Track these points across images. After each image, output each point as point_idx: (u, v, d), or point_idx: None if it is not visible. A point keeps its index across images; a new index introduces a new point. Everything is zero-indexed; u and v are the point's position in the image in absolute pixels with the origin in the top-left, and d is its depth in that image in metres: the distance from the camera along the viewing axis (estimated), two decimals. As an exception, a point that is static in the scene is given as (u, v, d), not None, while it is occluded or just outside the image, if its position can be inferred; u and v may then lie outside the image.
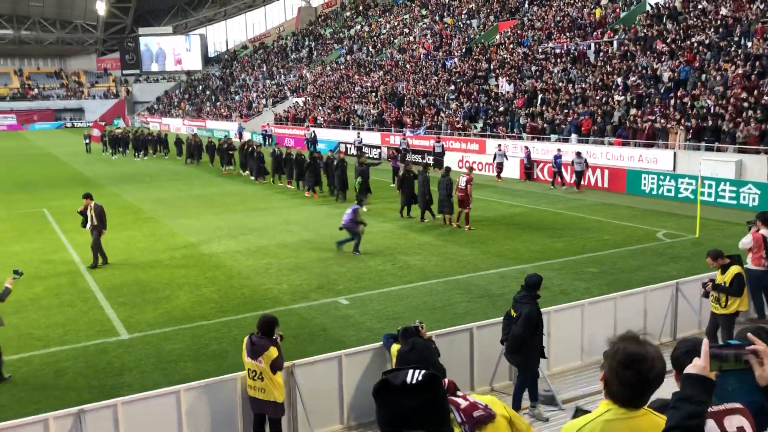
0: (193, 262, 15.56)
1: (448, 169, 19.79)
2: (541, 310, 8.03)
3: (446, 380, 2.47)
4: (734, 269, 9.00)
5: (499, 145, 29.02)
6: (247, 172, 30.85)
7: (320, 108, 51.06)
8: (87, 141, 46.50)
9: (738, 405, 2.60)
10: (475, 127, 34.49)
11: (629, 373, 2.52)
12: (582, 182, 24.77)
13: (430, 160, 31.29)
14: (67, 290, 13.54)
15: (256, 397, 7.09)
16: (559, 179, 25.59)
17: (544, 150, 28.66)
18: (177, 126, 68.19)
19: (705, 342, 2.36)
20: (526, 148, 28.54)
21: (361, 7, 72.69)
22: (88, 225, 15.13)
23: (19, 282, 10.85)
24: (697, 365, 2.28)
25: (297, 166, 26.27)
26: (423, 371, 2.18)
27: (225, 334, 10.87)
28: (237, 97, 71.27)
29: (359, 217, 16.07)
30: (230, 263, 15.33)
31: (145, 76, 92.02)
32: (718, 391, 2.40)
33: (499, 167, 28.30)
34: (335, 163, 23.91)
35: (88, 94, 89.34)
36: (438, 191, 18.91)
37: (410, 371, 2.19)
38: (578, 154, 24.62)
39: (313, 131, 42.83)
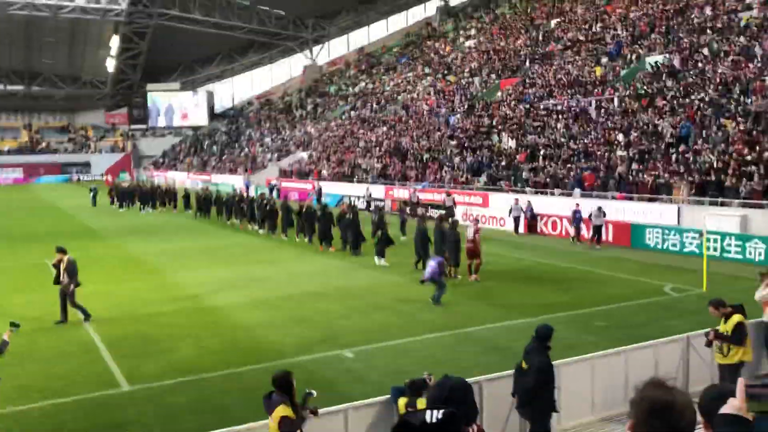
0: (197, 314, 15.43)
1: (456, 222, 19.79)
2: (552, 363, 7.90)
3: (475, 426, 2.35)
4: (736, 318, 8.94)
5: (516, 200, 28.83)
6: (256, 226, 30.58)
7: (325, 162, 51.55)
8: (93, 194, 46.68)
9: None
10: (479, 181, 34.69)
11: (657, 423, 2.34)
12: (599, 237, 24.20)
13: (441, 213, 31.10)
14: (68, 341, 13.39)
15: None
16: (578, 234, 25.12)
17: (547, 204, 28.78)
18: (182, 179, 68.68)
19: (741, 381, 2.28)
20: (529, 201, 28.67)
21: (365, 66, 74.24)
22: (61, 278, 14.65)
23: (21, 333, 10.74)
24: (734, 405, 2.19)
25: (308, 219, 26.00)
26: (442, 410, 2.11)
27: (228, 387, 10.68)
28: (242, 152, 72.08)
29: (444, 268, 16.43)
30: (234, 315, 15.19)
31: (152, 130, 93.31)
32: None
33: (515, 221, 28.22)
34: (347, 216, 23.83)
35: (95, 149, 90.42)
36: (446, 244, 18.86)
37: (428, 411, 2.13)
38: (599, 208, 24.19)
39: (320, 185, 43.08)
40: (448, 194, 32.31)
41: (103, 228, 33.23)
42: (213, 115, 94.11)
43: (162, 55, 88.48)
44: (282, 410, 6.26)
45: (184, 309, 15.90)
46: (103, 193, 48.16)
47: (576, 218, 25.05)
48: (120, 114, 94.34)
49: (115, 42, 77.12)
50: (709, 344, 9.18)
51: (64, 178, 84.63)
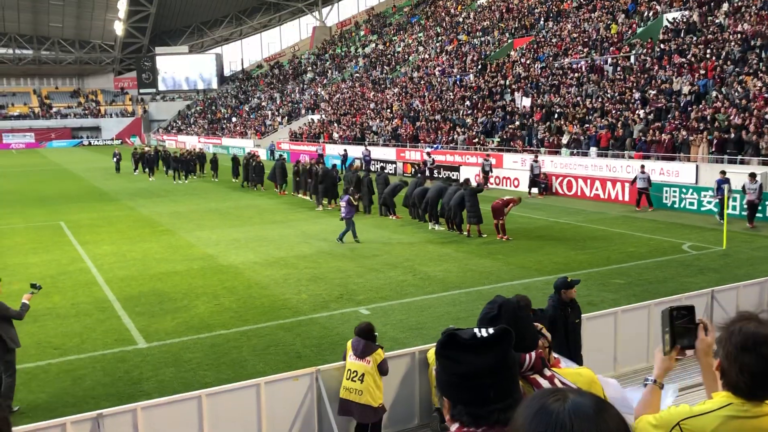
0: (211, 272, 15.38)
1: (468, 180, 19.67)
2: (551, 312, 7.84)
3: (532, 354, 2.14)
4: None
5: (642, 166, 23.34)
6: (307, 195, 27.65)
7: (335, 124, 51.12)
8: (116, 159, 43.39)
9: None
10: (492, 142, 34.28)
11: (750, 357, 2.13)
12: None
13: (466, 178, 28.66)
14: (83, 300, 13.38)
15: (349, 399, 7.04)
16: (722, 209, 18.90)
17: (562, 164, 28.41)
18: (193, 144, 68.37)
19: None
20: (535, 160, 28.12)
21: (375, 27, 73.12)
22: None
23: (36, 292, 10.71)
24: None
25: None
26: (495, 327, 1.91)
27: (244, 342, 10.64)
28: (252, 115, 71.63)
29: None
30: (248, 274, 15.13)
31: (161, 94, 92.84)
32: None
33: (640, 193, 23.16)
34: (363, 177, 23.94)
35: (105, 113, 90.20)
36: (467, 204, 18.63)
37: (477, 329, 1.91)
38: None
39: (345, 150, 39.98)
40: (486, 158, 31.02)
41: (113, 190, 33.17)
42: (222, 78, 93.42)
43: (170, 17, 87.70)
44: (382, 353, 7.18)
45: (199, 268, 15.85)
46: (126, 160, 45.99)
47: (720, 189, 19.47)
48: (129, 78, 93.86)
49: (122, 4, 76.24)
50: None
51: (75, 142, 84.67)
